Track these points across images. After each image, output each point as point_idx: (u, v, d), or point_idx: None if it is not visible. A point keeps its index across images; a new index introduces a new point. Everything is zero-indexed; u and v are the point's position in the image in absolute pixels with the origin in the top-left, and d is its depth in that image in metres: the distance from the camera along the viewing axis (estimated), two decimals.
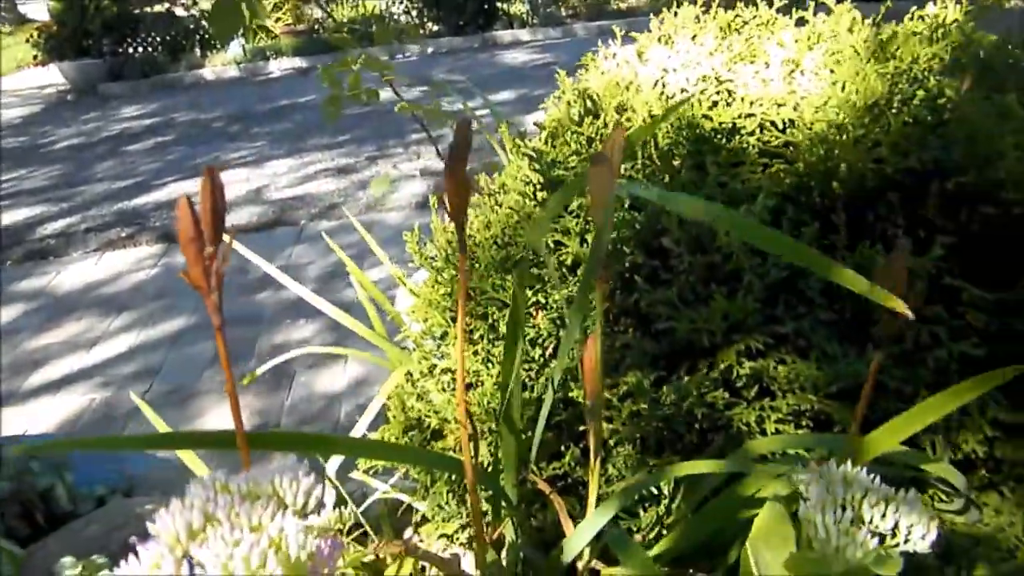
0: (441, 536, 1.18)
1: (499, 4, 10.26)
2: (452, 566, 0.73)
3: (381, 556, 0.84)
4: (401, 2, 10.46)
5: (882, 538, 0.57)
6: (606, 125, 1.04)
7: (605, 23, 9.41)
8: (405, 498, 1.22)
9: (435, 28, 10.27)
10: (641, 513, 0.98)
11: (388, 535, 1.10)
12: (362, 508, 1.31)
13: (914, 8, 1.27)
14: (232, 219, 4.73)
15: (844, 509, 0.57)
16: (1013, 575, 0.88)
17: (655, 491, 0.94)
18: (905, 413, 0.66)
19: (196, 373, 2.93)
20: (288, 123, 6.94)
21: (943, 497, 0.93)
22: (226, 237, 0.61)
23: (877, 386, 0.90)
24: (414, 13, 10.38)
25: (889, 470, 0.89)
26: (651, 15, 1.34)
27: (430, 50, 9.65)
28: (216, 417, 2.64)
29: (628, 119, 1.05)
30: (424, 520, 1.20)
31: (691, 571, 0.79)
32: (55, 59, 9.58)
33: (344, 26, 9.20)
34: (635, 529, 0.97)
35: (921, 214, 0.97)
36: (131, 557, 0.52)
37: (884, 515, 0.58)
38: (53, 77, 9.69)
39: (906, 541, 0.57)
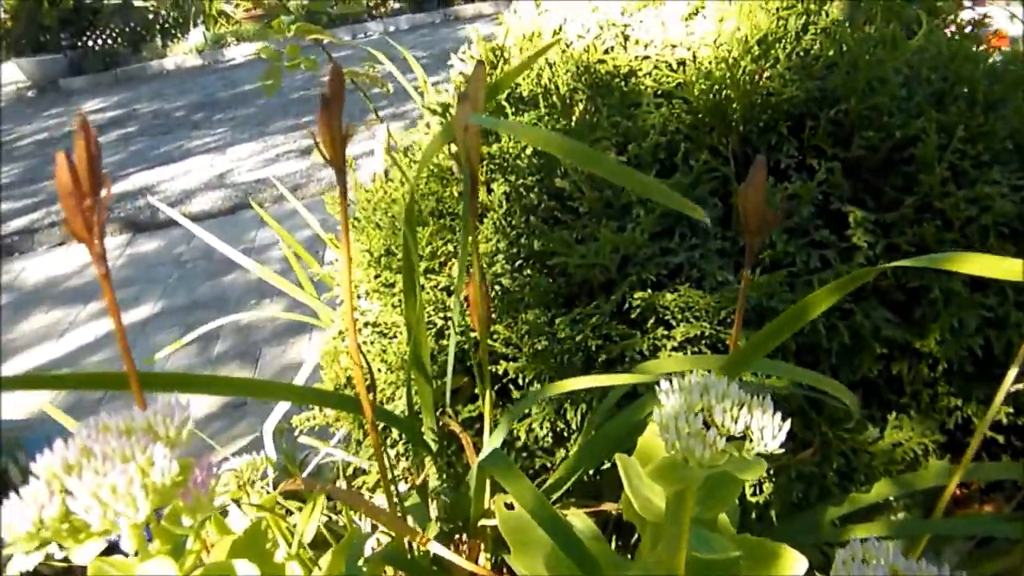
0: (377, 487, 1.21)
1: None
2: (357, 499, 0.76)
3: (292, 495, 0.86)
4: None
5: (736, 441, 0.60)
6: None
7: None
8: (341, 454, 1.25)
9: (396, 5, 10.20)
10: (556, 452, 1.01)
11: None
12: (309, 469, 1.33)
13: None
14: (197, 205, 4.72)
15: (698, 415, 0.60)
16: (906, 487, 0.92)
17: (567, 428, 0.97)
18: (771, 323, 0.68)
19: (162, 358, 2.96)
20: (251, 108, 6.90)
21: (841, 418, 0.96)
22: (105, 189, 0.63)
23: (769, 310, 0.93)
24: None
25: (783, 390, 0.93)
26: None
27: (391, 28, 9.59)
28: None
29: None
30: (358, 473, 1.23)
31: (573, 500, 0.81)
32: (12, 55, 9.45)
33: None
34: (549, 466, 1.00)
35: (813, 143, 1.00)
36: (11, 495, 0.54)
37: (736, 419, 0.60)
38: (12, 74, 9.56)
39: (760, 443, 0.60)
